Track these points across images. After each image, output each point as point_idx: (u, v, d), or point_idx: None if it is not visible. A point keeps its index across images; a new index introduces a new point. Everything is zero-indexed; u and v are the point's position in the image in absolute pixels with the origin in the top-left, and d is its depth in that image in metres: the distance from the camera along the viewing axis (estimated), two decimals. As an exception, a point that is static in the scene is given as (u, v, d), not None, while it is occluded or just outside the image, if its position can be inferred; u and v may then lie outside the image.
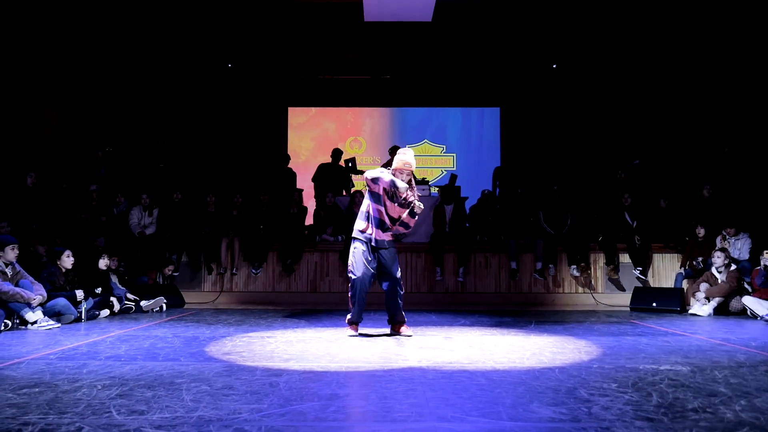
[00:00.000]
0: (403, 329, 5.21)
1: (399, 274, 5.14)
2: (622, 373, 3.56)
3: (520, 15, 10.00)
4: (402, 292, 5.17)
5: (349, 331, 5.19)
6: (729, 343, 4.78)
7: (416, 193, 5.08)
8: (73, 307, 5.93)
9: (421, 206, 4.91)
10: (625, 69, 11.29)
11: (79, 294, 6.04)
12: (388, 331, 5.33)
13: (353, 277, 5.02)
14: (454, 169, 13.13)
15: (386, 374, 3.54)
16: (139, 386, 3.16)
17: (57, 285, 6.03)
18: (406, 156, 4.99)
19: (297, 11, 9.73)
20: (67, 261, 6.19)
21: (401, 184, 4.83)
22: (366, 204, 5.09)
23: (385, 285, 5.13)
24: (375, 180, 4.88)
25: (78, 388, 3.11)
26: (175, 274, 8.33)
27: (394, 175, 4.94)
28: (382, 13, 7.71)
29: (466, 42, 10.95)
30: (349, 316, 5.21)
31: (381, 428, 2.47)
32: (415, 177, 5.03)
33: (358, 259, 5.02)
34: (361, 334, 5.19)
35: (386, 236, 5.08)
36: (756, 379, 3.39)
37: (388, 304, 5.17)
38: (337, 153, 9.98)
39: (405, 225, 5.10)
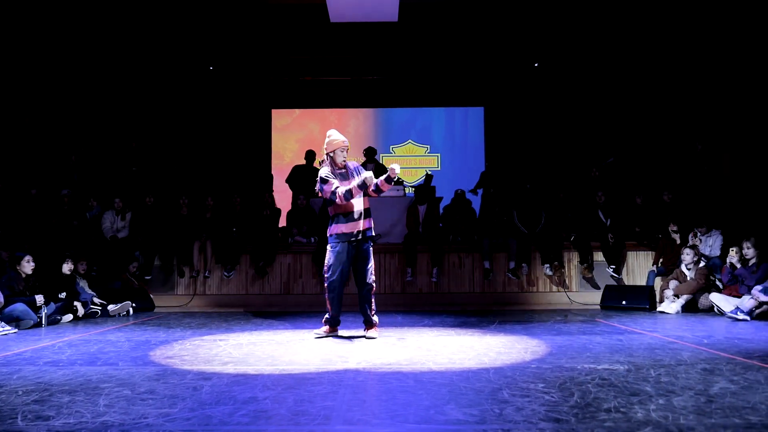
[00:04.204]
0: (371, 331, 5.12)
1: (372, 276, 5.08)
2: (557, 372, 3.53)
3: (499, 13, 9.97)
4: (373, 291, 5.08)
5: (321, 331, 5.16)
6: (681, 341, 4.74)
7: (357, 172, 5.03)
8: (32, 313, 5.91)
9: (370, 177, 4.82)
10: (603, 67, 11.24)
11: (39, 299, 6.01)
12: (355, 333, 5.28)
13: (329, 278, 4.99)
14: (439, 169, 13.11)
15: (317, 377, 3.51)
16: (60, 391, 3.14)
17: (16, 290, 6.00)
18: (335, 135, 5.00)
19: (278, 13, 9.71)
20: (27, 266, 6.16)
21: (357, 182, 4.82)
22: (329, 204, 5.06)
23: (358, 285, 5.09)
24: (347, 197, 4.85)
25: (-3, 395, 3.09)
26: (148, 277, 8.31)
27: (333, 158, 4.94)
28: (346, 14, 7.67)
29: (446, 41, 10.92)
30: (327, 317, 5.17)
31: (279, 431, 2.45)
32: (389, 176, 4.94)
33: (334, 260, 4.97)
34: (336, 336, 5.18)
35: (366, 224, 5.01)
36: (687, 377, 3.35)
37: (360, 304, 5.11)
38: (310, 155, 9.96)
39: (378, 190, 4.96)
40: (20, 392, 3.14)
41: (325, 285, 5.05)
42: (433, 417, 2.61)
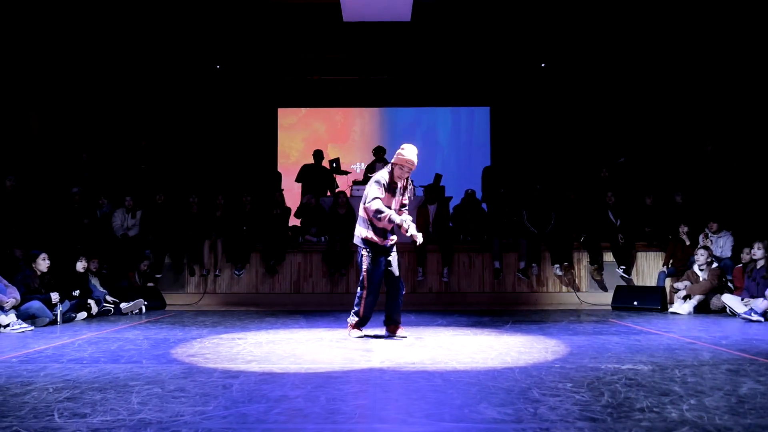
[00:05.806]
0: (399, 330, 5.16)
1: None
2: (582, 372, 3.54)
3: (507, 14, 9.98)
4: (403, 293, 5.16)
5: (354, 332, 5.14)
6: (699, 341, 4.76)
7: (409, 194, 5.20)
8: (48, 310, 5.92)
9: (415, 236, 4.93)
10: (611, 67, 11.25)
11: (54, 297, 6.02)
12: (381, 332, 5.26)
13: (371, 283, 5.01)
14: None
15: (344, 375, 3.52)
16: (91, 389, 3.15)
17: (32, 288, 6.01)
18: (407, 153, 4.90)
19: (285, 12, 9.72)
20: (43, 264, 6.17)
21: (396, 219, 4.87)
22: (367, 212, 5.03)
23: (389, 285, 5.13)
24: (376, 215, 4.88)
25: (28, 392, 3.10)
26: (158, 275, 8.33)
27: (393, 168, 4.95)
28: (360, 14, 7.69)
29: (454, 41, 10.93)
30: (357, 319, 5.13)
31: (318, 430, 2.46)
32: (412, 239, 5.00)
33: (374, 266, 4.99)
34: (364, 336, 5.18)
35: (395, 236, 5.16)
36: (714, 378, 3.37)
37: (389, 304, 5.14)
38: (318, 154, 9.97)
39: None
40: (51, 389, 3.15)
41: (364, 289, 5.03)
42: (468, 416, 2.63)
